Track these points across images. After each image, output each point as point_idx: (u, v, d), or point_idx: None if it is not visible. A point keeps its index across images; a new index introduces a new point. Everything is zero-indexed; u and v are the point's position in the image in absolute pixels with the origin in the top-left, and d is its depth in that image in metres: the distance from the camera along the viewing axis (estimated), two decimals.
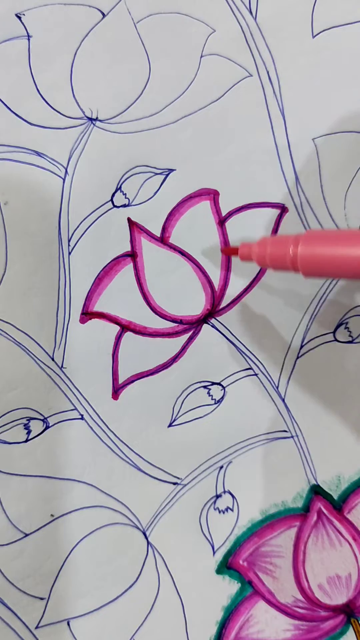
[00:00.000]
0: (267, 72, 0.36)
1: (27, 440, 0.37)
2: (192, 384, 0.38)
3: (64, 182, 0.35)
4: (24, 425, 0.37)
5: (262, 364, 0.39)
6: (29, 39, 0.34)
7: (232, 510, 0.39)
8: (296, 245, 0.31)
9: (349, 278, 0.36)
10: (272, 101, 0.37)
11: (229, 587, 0.40)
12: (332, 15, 0.36)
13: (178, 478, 0.39)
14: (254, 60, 0.36)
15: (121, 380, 0.38)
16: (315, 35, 0.37)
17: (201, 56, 0.36)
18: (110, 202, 0.36)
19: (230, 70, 0.36)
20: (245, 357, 0.38)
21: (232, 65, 0.36)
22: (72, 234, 0.36)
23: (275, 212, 0.37)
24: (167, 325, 0.37)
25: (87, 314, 0.37)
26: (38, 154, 0.35)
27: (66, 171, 0.35)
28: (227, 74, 0.36)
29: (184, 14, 0.36)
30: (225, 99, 0.36)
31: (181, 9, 0.36)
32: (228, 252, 0.37)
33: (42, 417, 0.37)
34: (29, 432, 0.37)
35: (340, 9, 0.36)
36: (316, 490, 0.40)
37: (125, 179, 0.36)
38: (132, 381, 0.38)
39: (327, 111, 0.37)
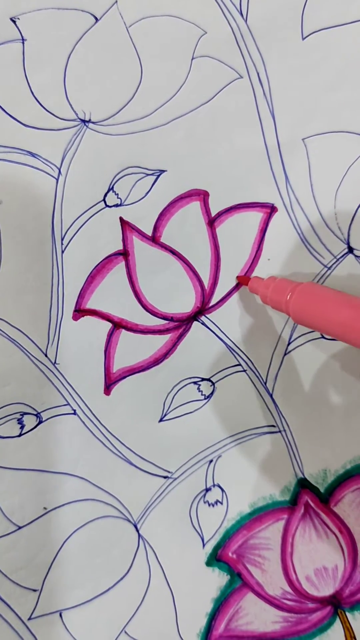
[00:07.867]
0: (258, 74, 0.36)
1: (20, 435, 0.37)
2: (183, 380, 0.38)
3: (57, 182, 0.35)
4: (18, 420, 0.37)
5: (250, 360, 0.39)
6: (23, 43, 0.34)
7: (221, 503, 0.40)
8: (291, 295, 0.33)
9: (332, 337, 0.37)
10: (262, 102, 0.37)
11: (219, 579, 0.40)
12: (322, 17, 0.36)
13: (168, 472, 0.39)
14: (245, 62, 0.36)
15: (113, 376, 0.38)
16: (305, 37, 0.36)
17: (192, 58, 0.36)
18: (103, 201, 0.36)
19: (221, 72, 0.36)
20: (234, 353, 0.39)
21: (223, 67, 0.36)
22: (65, 233, 0.36)
23: (265, 212, 0.38)
24: (158, 322, 0.38)
25: (79, 311, 0.37)
26: (32, 154, 0.35)
27: (59, 171, 0.35)
28: (218, 75, 0.36)
29: (176, 17, 0.36)
30: (215, 101, 0.36)
31: (172, 12, 0.35)
32: (241, 280, 0.38)
33: (35, 412, 0.37)
34: (22, 427, 0.37)
35: (330, 11, 0.36)
36: (303, 484, 0.40)
37: (118, 180, 0.36)
38: (124, 377, 0.38)
39: (316, 112, 0.37)
